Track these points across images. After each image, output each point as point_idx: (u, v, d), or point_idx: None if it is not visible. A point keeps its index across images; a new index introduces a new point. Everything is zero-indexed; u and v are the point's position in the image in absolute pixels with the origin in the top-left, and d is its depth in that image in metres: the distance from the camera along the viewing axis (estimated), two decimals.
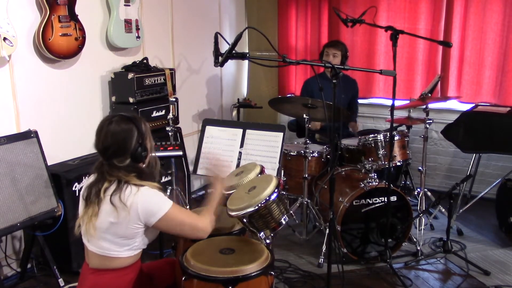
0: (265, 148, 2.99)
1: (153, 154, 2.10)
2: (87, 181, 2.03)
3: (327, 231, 3.26)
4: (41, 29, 3.09)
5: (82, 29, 3.35)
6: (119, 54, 3.86)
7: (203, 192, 4.85)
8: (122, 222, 1.89)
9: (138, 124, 1.98)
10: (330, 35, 5.07)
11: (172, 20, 4.40)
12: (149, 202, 1.90)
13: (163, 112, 3.85)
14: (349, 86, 4.25)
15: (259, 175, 2.28)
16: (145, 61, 3.93)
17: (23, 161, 2.85)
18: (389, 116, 3.02)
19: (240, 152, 3.03)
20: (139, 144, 1.96)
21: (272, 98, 3.77)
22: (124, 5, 3.67)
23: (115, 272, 1.97)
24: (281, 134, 3.00)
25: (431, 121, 3.73)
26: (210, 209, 2.11)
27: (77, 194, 3.05)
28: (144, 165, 2.03)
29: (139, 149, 1.96)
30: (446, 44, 3.34)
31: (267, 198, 2.00)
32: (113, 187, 1.91)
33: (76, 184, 3.08)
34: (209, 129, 3.19)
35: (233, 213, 2.04)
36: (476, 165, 4.27)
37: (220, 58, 2.27)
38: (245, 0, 5.49)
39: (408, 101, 4.15)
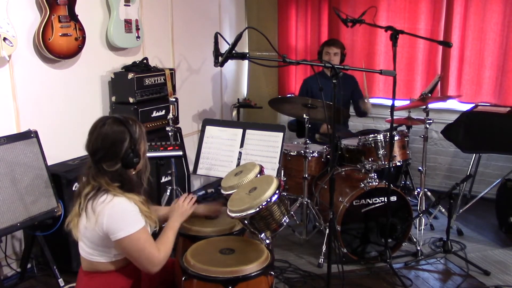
0: (265, 148, 2.99)
1: (146, 157, 2.03)
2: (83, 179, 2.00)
3: (327, 231, 3.26)
4: (41, 29, 3.09)
5: (82, 29, 3.35)
6: (119, 54, 3.86)
7: (203, 192, 4.85)
8: (90, 228, 1.86)
9: (131, 128, 1.91)
10: (330, 35, 5.07)
11: (172, 20, 4.40)
12: (116, 217, 1.83)
13: (163, 112, 3.85)
14: (348, 82, 4.25)
15: (259, 176, 2.27)
16: (145, 61, 3.93)
17: (23, 161, 2.84)
18: (389, 116, 3.02)
19: (240, 152, 3.03)
20: (131, 149, 1.90)
21: (272, 98, 3.77)
22: (124, 5, 3.67)
23: (105, 275, 1.94)
24: (281, 134, 3.00)
25: (431, 121, 3.74)
26: (166, 241, 1.99)
27: None
28: (134, 172, 1.98)
29: (131, 155, 1.90)
30: (446, 44, 3.34)
31: (269, 200, 2.00)
32: (92, 193, 1.87)
33: (76, 184, 3.07)
34: (209, 129, 3.19)
35: (234, 215, 2.04)
36: (476, 165, 4.27)
37: (220, 58, 2.27)
38: (245, 0, 5.49)
39: (408, 101, 4.15)
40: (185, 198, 2.23)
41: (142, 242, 1.86)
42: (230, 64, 5.36)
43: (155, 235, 2.00)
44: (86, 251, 1.93)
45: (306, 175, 3.55)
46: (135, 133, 1.92)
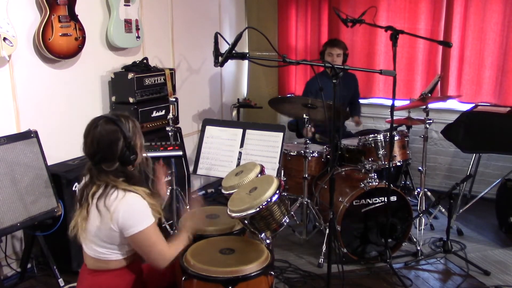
0: (265, 148, 2.99)
1: (144, 154, 2.05)
2: (82, 182, 2.02)
3: (327, 231, 3.26)
4: (41, 29, 3.09)
5: (82, 29, 3.35)
6: (119, 54, 3.86)
7: (203, 192, 4.85)
8: (104, 227, 1.88)
9: (124, 126, 1.92)
10: (330, 35, 5.07)
11: (172, 20, 4.40)
12: (131, 213, 1.86)
13: (163, 112, 3.85)
14: (350, 82, 4.24)
15: (260, 175, 2.27)
16: (145, 61, 3.93)
17: (23, 161, 2.84)
18: (389, 116, 3.02)
19: (240, 152, 3.04)
20: (127, 147, 1.91)
21: (272, 98, 3.76)
22: (124, 5, 3.67)
23: (112, 273, 1.96)
24: (281, 134, 3.00)
25: (431, 121, 3.74)
26: (178, 245, 2.04)
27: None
28: (133, 167, 2.00)
29: (127, 152, 1.91)
30: (446, 44, 3.34)
31: (269, 200, 2.00)
32: (100, 191, 1.89)
33: (76, 184, 3.07)
34: (209, 129, 3.19)
35: (234, 214, 2.04)
36: (476, 165, 4.27)
37: (220, 58, 2.27)
38: (245, 0, 5.49)
39: (408, 101, 4.15)
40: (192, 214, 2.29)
41: (154, 237, 1.91)
42: (230, 64, 5.36)
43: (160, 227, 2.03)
44: (98, 251, 1.94)
45: (306, 175, 3.55)
46: (128, 131, 1.93)
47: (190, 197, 2.34)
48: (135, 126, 1.98)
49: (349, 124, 4.61)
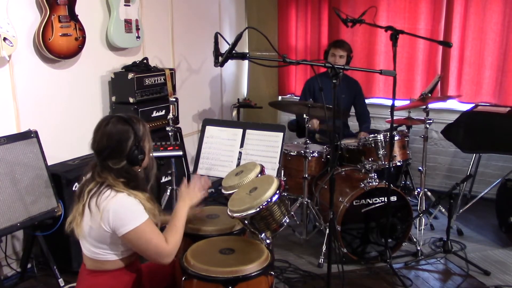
0: (265, 148, 2.98)
1: (151, 155, 2.06)
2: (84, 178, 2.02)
3: (327, 231, 3.26)
4: (41, 29, 3.09)
5: (82, 29, 3.35)
6: (119, 54, 3.86)
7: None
8: (95, 226, 1.87)
9: (135, 126, 1.93)
10: (330, 35, 5.07)
11: (172, 20, 4.40)
12: (121, 211, 1.84)
13: (163, 112, 3.85)
14: (351, 86, 4.23)
15: (260, 175, 2.27)
16: (145, 61, 3.93)
17: (23, 161, 2.84)
18: (389, 116, 3.02)
19: (240, 152, 3.03)
20: (136, 146, 1.92)
21: (272, 98, 3.77)
22: (124, 5, 3.67)
23: (109, 274, 1.96)
24: (281, 134, 2.99)
25: (431, 121, 3.74)
26: (174, 230, 1.97)
27: None
28: (140, 169, 2.00)
29: (136, 152, 1.92)
30: (446, 44, 3.34)
31: (269, 200, 2.00)
32: (95, 189, 1.88)
33: (76, 184, 3.07)
34: (209, 129, 3.18)
35: (234, 215, 2.04)
36: (476, 165, 4.27)
37: (220, 58, 2.27)
38: (245, 0, 5.49)
39: (408, 101, 4.15)
40: (195, 182, 2.20)
41: (148, 234, 1.88)
42: (230, 64, 5.36)
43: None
44: (93, 251, 1.94)
45: (306, 175, 3.55)
46: (139, 131, 1.95)
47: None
48: (145, 129, 2.00)
49: (352, 125, 4.60)
